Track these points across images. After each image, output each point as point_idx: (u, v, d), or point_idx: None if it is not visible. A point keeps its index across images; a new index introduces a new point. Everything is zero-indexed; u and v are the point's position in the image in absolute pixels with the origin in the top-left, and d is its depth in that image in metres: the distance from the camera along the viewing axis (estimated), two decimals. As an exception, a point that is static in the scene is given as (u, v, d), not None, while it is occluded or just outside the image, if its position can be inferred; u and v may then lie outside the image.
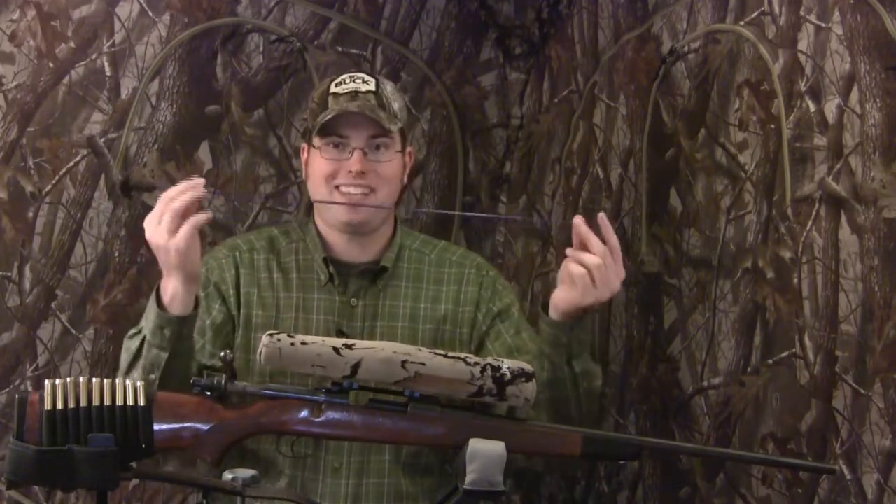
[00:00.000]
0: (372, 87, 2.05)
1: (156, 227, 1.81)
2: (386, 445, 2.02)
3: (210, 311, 2.05)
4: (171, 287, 1.84)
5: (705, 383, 2.30)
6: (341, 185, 2.03)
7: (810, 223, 2.05)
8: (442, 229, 2.88)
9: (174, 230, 1.79)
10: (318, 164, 2.05)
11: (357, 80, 2.06)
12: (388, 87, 2.09)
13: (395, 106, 2.07)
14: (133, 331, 1.94)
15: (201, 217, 1.81)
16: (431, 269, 2.15)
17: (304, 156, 2.13)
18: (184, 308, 1.86)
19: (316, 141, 2.05)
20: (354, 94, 2.03)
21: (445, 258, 2.18)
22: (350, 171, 2.02)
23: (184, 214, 1.80)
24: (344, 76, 2.08)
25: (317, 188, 2.07)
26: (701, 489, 2.29)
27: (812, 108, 2.05)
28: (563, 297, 1.90)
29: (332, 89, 2.05)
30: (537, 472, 2.82)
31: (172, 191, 1.82)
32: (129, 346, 1.92)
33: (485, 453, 1.68)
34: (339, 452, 2.02)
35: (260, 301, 2.07)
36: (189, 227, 1.79)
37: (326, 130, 2.03)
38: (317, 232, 2.12)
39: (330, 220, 2.09)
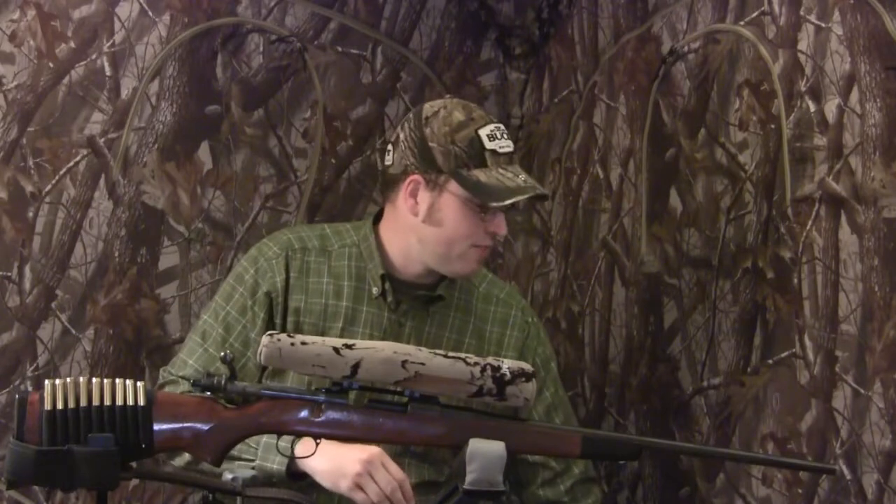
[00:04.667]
0: (512, 142, 2.01)
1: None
2: None
3: (256, 321, 2.04)
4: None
5: (705, 383, 2.30)
6: (479, 244, 1.99)
7: (810, 223, 2.05)
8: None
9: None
10: (464, 219, 1.97)
11: (505, 136, 1.99)
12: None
13: None
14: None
15: None
16: (479, 304, 2.12)
17: (412, 187, 1.98)
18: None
19: (463, 193, 1.95)
20: (511, 157, 1.98)
21: (493, 294, 2.14)
22: (496, 233, 1.98)
23: None
24: (489, 126, 1.98)
25: (452, 241, 1.98)
26: (701, 489, 2.29)
27: (812, 108, 2.05)
28: None
29: (488, 144, 1.96)
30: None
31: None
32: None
33: (485, 453, 1.68)
34: None
35: (307, 308, 2.04)
36: None
37: (494, 197, 1.94)
38: (377, 242, 2.06)
39: (449, 272, 2.03)
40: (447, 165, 1.95)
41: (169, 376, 2.07)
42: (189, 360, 2.07)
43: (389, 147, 2.03)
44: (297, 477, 1.91)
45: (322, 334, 1.99)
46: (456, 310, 2.10)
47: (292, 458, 1.89)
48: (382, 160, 2.07)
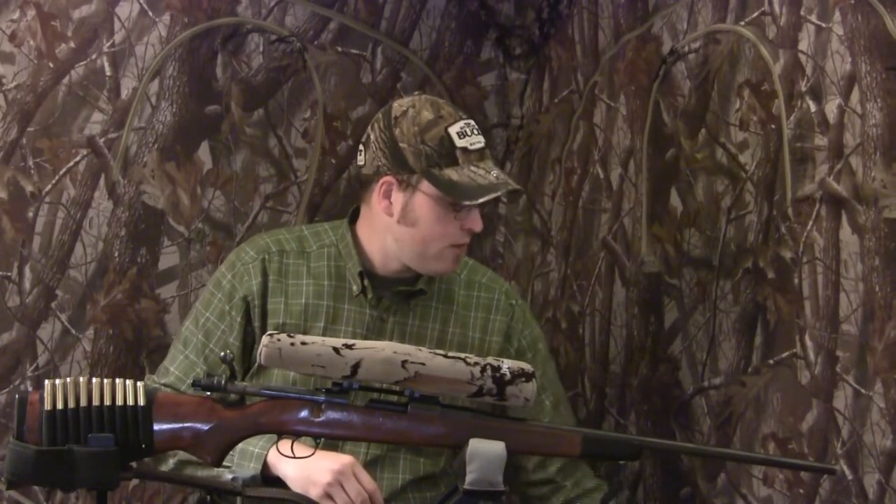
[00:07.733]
0: (483, 137, 2.00)
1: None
2: (376, 462, 2.02)
3: (234, 326, 2.04)
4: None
5: (706, 383, 2.30)
6: (455, 243, 1.99)
7: (811, 223, 2.05)
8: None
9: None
10: (438, 218, 1.96)
11: (475, 132, 1.98)
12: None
13: None
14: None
15: None
16: (461, 292, 2.11)
17: (385, 188, 1.97)
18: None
19: (435, 192, 1.94)
20: (482, 153, 1.97)
21: (475, 280, 2.13)
22: (471, 230, 1.98)
23: None
24: (459, 123, 1.97)
25: (427, 241, 1.98)
26: (701, 489, 2.29)
27: (813, 108, 2.05)
28: None
29: (458, 142, 1.96)
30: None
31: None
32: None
33: (485, 453, 1.68)
34: None
35: (288, 310, 2.04)
36: None
37: (466, 195, 1.94)
38: (354, 241, 2.06)
39: (426, 271, 2.03)
40: (418, 165, 1.95)
41: (152, 384, 2.06)
42: (171, 368, 2.07)
43: (361, 148, 2.02)
44: (270, 481, 1.90)
45: (305, 334, 1.99)
46: (438, 300, 2.09)
47: (265, 464, 1.90)
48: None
